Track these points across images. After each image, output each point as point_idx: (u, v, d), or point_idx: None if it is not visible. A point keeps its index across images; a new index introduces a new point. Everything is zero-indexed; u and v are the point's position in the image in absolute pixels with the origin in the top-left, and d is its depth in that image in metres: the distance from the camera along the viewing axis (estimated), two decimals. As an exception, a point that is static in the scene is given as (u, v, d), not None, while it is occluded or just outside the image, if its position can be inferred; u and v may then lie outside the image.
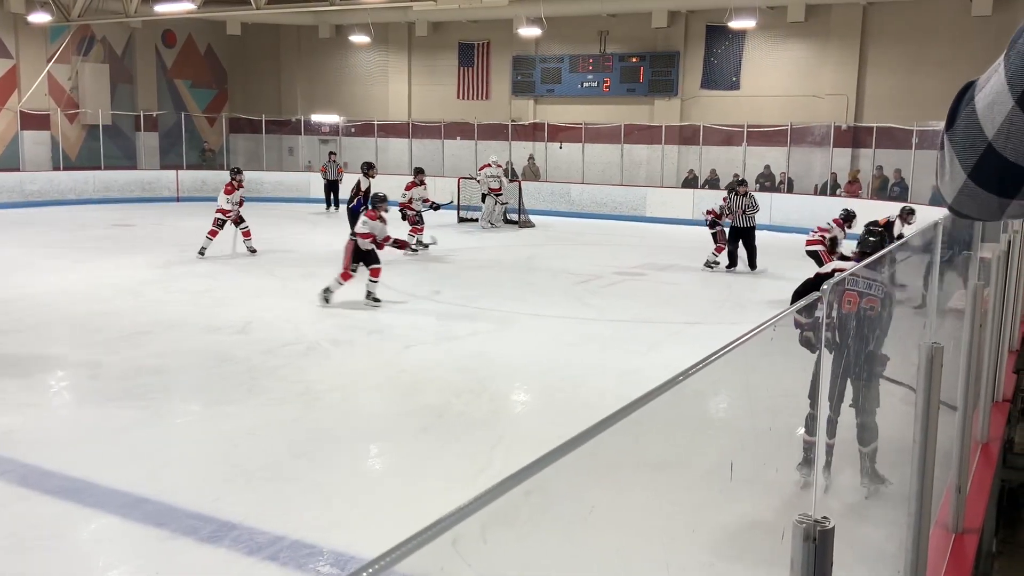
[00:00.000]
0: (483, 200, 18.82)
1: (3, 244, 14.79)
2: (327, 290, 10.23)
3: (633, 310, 10.47)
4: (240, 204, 13.77)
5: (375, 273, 10.34)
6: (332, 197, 21.28)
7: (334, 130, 26.35)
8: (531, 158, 23.39)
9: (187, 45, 26.93)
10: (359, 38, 24.62)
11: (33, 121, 22.70)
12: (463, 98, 24.84)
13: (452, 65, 24.88)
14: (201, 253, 13.52)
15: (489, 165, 18.76)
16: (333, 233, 16.44)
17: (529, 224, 19.13)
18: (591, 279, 12.52)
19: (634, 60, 22.36)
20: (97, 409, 6.67)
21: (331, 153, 22.72)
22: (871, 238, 5.37)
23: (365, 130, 25.66)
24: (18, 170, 21.97)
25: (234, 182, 13.70)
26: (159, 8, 20.01)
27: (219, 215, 13.61)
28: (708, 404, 1.48)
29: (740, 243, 13.12)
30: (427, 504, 4.95)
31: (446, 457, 5.69)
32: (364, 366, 8.26)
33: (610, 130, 22.23)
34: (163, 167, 24.57)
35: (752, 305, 10.80)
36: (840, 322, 4.96)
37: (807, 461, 2.05)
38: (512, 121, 23.81)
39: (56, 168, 22.78)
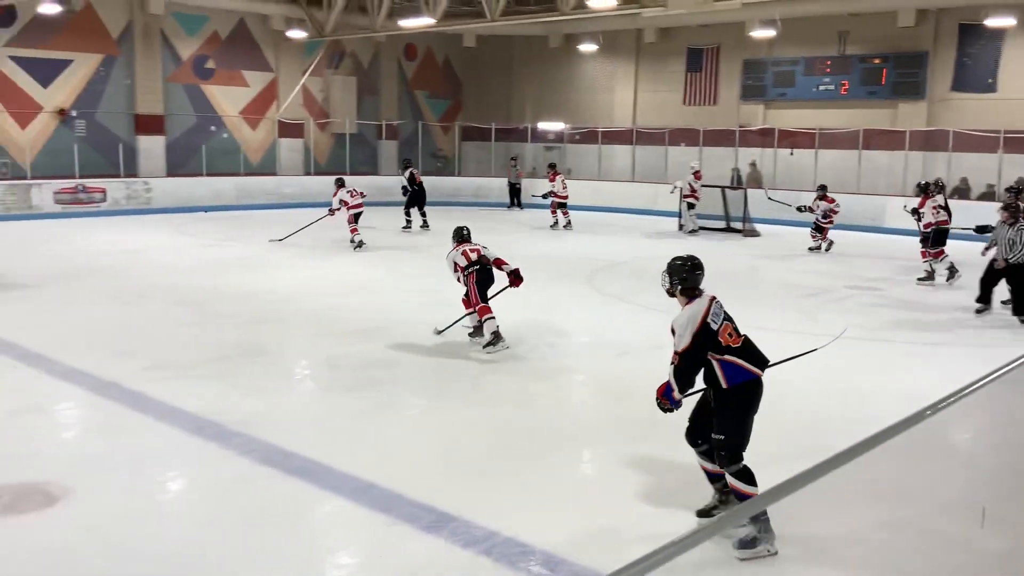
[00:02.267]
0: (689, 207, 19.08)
1: (259, 242, 16.25)
2: None
3: (866, 327, 9.84)
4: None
5: None
6: (514, 199, 23.71)
7: (559, 137, 26.79)
8: (753, 164, 22.62)
9: (426, 58, 28.42)
10: (587, 46, 24.91)
11: (289, 129, 24.86)
12: (689, 104, 24.48)
13: (679, 71, 24.57)
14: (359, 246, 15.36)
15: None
16: (556, 239, 16.71)
17: (754, 233, 18.52)
18: (820, 292, 11.91)
19: (876, 61, 21.06)
20: (333, 397, 7.17)
21: (512, 159, 24.46)
22: (696, 272, 4.77)
23: (589, 137, 25.90)
24: (275, 174, 24.18)
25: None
26: (403, 23, 21.25)
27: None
28: (954, 438, 1.36)
29: (1004, 281, 10.28)
30: (637, 515, 4.90)
31: (659, 469, 5.61)
32: (579, 371, 8.32)
33: (846, 135, 21.05)
34: (400, 173, 26.04)
35: (1003, 328, 9.83)
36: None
37: None
38: (740, 126, 23.15)
39: (307, 173, 24.80)
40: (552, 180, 19.23)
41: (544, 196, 19.43)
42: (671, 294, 4.79)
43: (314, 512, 4.94)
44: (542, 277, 13.03)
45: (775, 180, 22.36)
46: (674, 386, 4.63)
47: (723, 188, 19.64)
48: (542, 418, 6.66)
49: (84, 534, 4.52)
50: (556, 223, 19.12)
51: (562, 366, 8.38)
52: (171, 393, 6.88)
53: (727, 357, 4.51)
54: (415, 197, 18.88)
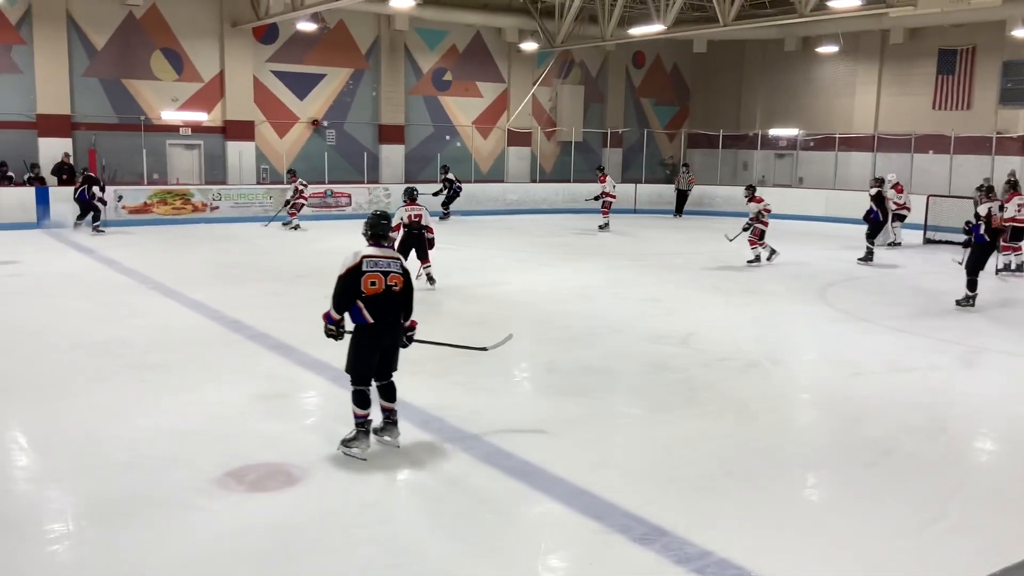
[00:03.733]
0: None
1: (484, 246, 16.83)
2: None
3: None
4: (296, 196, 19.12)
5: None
6: (679, 205, 24.36)
7: (791, 144, 25.75)
8: (1012, 174, 20.56)
9: (654, 65, 28.26)
10: (827, 49, 23.77)
11: (517, 138, 25.60)
12: (939, 108, 22.71)
13: (928, 73, 22.87)
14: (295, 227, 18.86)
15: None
16: (784, 252, 16.05)
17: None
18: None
19: None
20: (550, 401, 7.27)
21: (684, 165, 25.08)
22: (382, 222, 6.04)
23: (825, 143, 24.70)
24: (502, 181, 24.97)
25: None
26: (633, 31, 21.24)
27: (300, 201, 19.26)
28: None
29: None
30: (867, 548, 4.60)
31: (891, 500, 5.23)
32: (805, 389, 7.93)
33: None
34: (624, 181, 26.11)
35: None
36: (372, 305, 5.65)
37: None
38: (997, 133, 21.17)
39: (532, 180, 25.42)
40: (603, 181, 20.27)
41: (596, 198, 20.21)
42: (368, 241, 5.87)
43: (528, 513, 5.03)
44: (770, 291, 12.56)
45: (1038, 191, 20.25)
46: (331, 306, 5.71)
47: (975, 200, 18.04)
48: (763, 437, 6.41)
49: (319, 516, 4.86)
50: (607, 224, 20.11)
51: (788, 384, 8.03)
52: (401, 387, 7.25)
53: (357, 302, 5.61)
54: (453, 195, 21.58)
